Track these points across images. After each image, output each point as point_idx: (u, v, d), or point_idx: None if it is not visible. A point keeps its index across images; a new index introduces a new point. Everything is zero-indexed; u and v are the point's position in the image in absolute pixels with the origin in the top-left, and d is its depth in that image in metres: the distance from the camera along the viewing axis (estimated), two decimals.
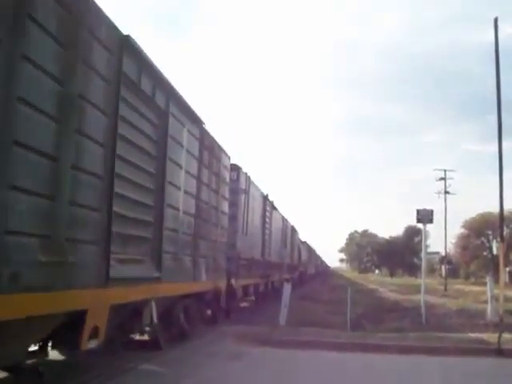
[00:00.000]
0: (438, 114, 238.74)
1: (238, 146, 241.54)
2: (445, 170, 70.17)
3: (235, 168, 20.49)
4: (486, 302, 23.56)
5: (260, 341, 15.02)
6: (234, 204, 19.76)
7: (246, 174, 22.19)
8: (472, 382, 11.08)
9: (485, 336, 16.30)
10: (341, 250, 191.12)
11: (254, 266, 24.20)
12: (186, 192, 12.67)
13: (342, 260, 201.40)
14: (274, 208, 31.63)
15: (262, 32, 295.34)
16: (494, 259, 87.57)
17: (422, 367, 12.67)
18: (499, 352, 14.22)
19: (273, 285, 32.16)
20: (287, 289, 19.25)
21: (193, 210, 13.51)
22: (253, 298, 27.41)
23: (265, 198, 28.27)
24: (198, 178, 13.93)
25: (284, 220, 38.56)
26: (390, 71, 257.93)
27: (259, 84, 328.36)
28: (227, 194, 18.04)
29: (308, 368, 12.23)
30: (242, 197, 21.60)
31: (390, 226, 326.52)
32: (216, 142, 16.17)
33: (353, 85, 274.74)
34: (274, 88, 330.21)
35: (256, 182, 25.73)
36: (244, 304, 26.45)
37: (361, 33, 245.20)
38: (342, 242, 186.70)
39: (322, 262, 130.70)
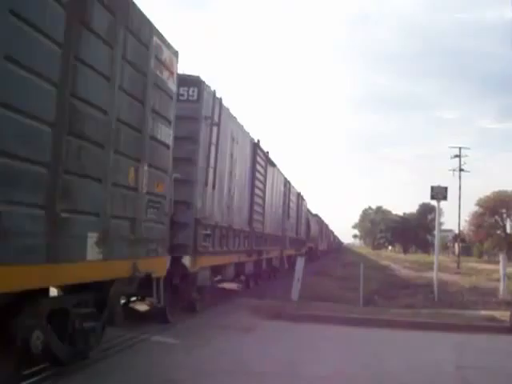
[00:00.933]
0: (455, 91, 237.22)
1: (252, 120, 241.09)
2: (460, 148, 69.81)
3: (194, 81, 13.61)
4: (498, 280, 23.51)
5: (272, 315, 15.12)
6: (189, 138, 13.21)
7: (215, 94, 14.48)
8: (484, 358, 11.11)
9: (497, 313, 16.33)
10: (354, 227, 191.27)
11: (232, 237, 17.75)
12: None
13: (355, 236, 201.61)
14: (270, 163, 24.03)
15: (277, 6, 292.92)
16: (508, 238, 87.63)
17: (435, 343, 12.72)
18: (511, 329, 14.26)
19: (270, 263, 27.11)
20: (300, 262, 19.29)
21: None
22: (242, 278, 22.33)
23: (255, 145, 20.86)
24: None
25: (287, 183, 31.59)
26: (406, 47, 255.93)
27: (274, 59, 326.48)
28: (169, 114, 10.58)
29: (319, 342, 12.31)
30: (207, 129, 14.01)
31: (404, 203, 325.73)
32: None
33: (367, 59, 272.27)
34: (288, 63, 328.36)
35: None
36: (232, 286, 22.53)
37: (378, 7, 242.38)
38: (356, 219, 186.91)
39: (335, 238, 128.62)
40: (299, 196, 40.39)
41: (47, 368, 7.96)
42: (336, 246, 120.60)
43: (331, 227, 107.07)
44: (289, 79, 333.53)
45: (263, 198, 22.78)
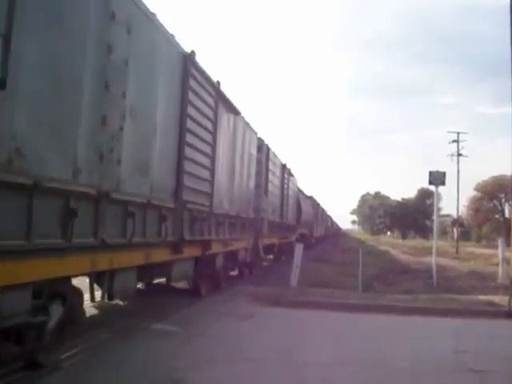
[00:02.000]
0: (452, 76, 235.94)
1: (251, 107, 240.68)
2: (458, 133, 69.62)
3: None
4: (497, 264, 23.59)
5: (271, 301, 15.15)
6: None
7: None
8: (483, 343, 11.13)
9: (496, 298, 16.38)
10: (353, 212, 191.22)
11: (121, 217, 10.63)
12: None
13: (353, 222, 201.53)
14: (226, 104, 16.21)
15: None
16: (506, 222, 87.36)
17: (434, 328, 12.77)
18: (510, 314, 14.30)
19: (234, 258, 19.41)
20: (299, 249, 19.32)
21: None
22: None
23: (187, 59, 12.25)
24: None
25: (264, 148, 24.40)
26: (402, 32, 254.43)
27: (270, 45, 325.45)
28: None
29: (317, 328, 12.34)
30: None
31: (402, 188, 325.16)
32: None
33: (365, 46, 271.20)
34: (285, 50, 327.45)
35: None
36: None
37: None
38: (354, 204, 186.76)
39: (334, 224, 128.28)
40: (284, 169, 31.49)
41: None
42: (334, 232, 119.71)
43: (330, 213, 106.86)
44: (287, 66, 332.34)
45: (210, 156, 14.58)
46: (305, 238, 44.11)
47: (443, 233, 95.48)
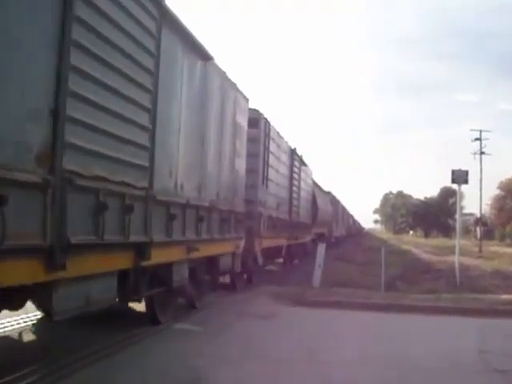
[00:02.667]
0: (475, 73, 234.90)
1: (275, 105, 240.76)
2: (480, 131, 69.01)
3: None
4: None
5: (293, 301, 15.13)
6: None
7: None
8: (508, 343, 11.02)
9: None
10: (375, 212, 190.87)
11: None
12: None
13: (376, 221, 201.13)
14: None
15: None
16: None
17: (457, 328, 12.66)
18: None
19: (213, 269, 14.03)
20: (321, 249, 19.29)
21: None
22: None
23: None
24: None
25: (262, 121, 19.34)
26: (426, 30, 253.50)
27: (298, 46, 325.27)
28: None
29: (340, 328, 12.31)
30: None
31: (425, 187, 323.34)
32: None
33: (389, 45, 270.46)
34: (311, 50, 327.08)
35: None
36: None
37: None
38: (377, 204, 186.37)
39: (355, 223, 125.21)
40: (294, 155, 26.03)
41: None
42: (356, 232, 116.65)
43: (352, 212, 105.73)
44: (313, 65, 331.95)
45: (146, 109, 9.14)
46: (323, 238, 38.63)
47: (466, 232, 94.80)
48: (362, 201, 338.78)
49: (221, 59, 12.75)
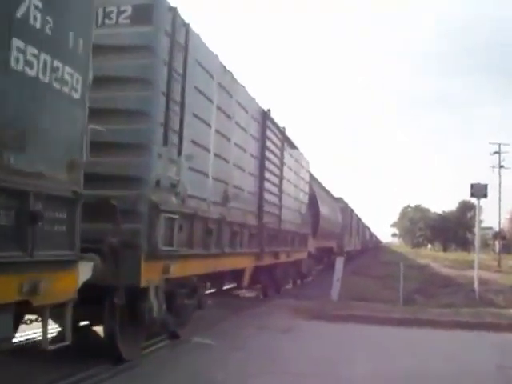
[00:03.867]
0: (493, 87, 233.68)
1: (292, 116, 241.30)
2: (499, 144, 68.67)
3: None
4: None
5: (312, 315, 15.13)
6: None
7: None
8: None
9: None
10: (393, 225, 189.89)
11: None
12: None
13: (394, 235, 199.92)
14: None
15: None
16: None
17: (476, 343, 12.63)
18: None
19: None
20: (340, 262, 19.29)
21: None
22: None
23: None
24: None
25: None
26: (444, 44, 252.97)
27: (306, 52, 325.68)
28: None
29: (358, 342, 12.29)
30: None
31: (443, 201, 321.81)
32: None
33: (410, 60, 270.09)
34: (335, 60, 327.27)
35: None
36: None
37: (416, 7, 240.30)
38: (395, 217, 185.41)
39: (373, 236, 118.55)
40: (267, 121, 16.84)
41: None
42: (373, 245, 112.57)
43: (370, 225, 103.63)
44: (318, 76, 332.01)
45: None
46: (328, 253, 34.86)
47: (485, 246, 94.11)
48: (380, 214, 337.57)
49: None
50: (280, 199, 18.70)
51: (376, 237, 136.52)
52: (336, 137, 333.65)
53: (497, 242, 75.74)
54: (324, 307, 16.27)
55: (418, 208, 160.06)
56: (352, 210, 54.63)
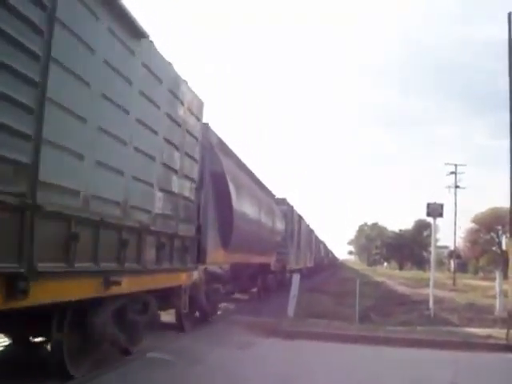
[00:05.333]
0: (451, 108, 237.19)
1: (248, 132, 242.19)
2: (455, 165, 69.69)
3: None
4: (494, 296, 23.53)
5: (268, 331, 15.09)
6: None
7: None
8: (480, 376, 11.09)
9: (493, 331, 16.31)
10: (350, 243, 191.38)
11: None
12: None
13: (350, 252, 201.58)
14: None
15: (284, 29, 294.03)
16: (503, 254, 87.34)
17: (430, 361, 12.70)
18: (508, 347, 14.24)
19: None
20: (296, 279, 19.28)
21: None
22: None
23: None
24: None
25: None
26: (403, 63, 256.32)
27: (285, 76, 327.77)
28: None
29: (315, 359, 12.29)
30: None
31: (399, 220, 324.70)
32: None
33: (366, 77, 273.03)
34: (296, 83, 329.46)
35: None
36: None
37: (374, 23, 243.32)
38: (352, 235, 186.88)
39: (329, 253, 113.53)
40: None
41: None
42: (330, 262, 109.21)
43: (326, 242, 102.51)
44: (288, 93, 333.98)
45: None
46: (263, 272, 27.01)
47: (440, 264, 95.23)
48: (337, 231, 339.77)
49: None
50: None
51: (333, 253, 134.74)
52: (290, 151, 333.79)
53: (452, 261, 76.70)
54: (280, 324, 16.23)
55: (374, 226, 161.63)
56: (301, 218, 43.44)
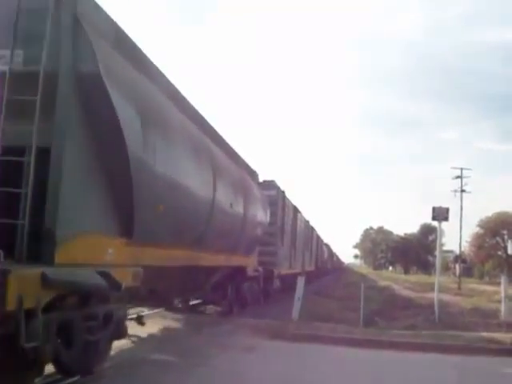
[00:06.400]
0: (456, 112, 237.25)
1: (256, 139, 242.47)
2: (461, 169, 69.73)
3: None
4: (499, 301, 23.47)
5: (273, 334, 15.07)
6: None
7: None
8: (484, 380, 11.08)
9: (498, 335, 16.27)
10: (355, 246, 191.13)
11: None
12: None
13: (356, 256, 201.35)
14: None
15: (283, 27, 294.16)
16: (509, 259, 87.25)
17: (435, 365, 12.69)
18: None
19: None
20: (301, 282, 19.27)
21: None
22: None
23: None
24: None
25: None
26: (407, 68, 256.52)
27: (277, 76, 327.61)
28: None
29: (319, 362, 12.27)
30: None
31: (405, 224, 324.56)
32: None
33: (370, 82, 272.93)
34: (290, 82, 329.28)
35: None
36: None
37: (378, 31, 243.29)
38: (357, 238, 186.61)
39: (334, 256, 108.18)
40: None
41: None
42: (334, 266, 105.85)
43: (333, 247, 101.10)
44: (291, 98, 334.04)
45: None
46: (231, 279, 19.41)
47: (445, 269, 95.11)
48: (343, 235, 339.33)
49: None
50: None
51: (338, 257, 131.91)
52: (297, 158, 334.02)
53: (457, 265, 76.56)
54: (284, 327, 16.21)
55: (380, 230, 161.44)
56: (297, 210, 34.68)
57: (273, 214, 24.11)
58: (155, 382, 9.35)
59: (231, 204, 15.87)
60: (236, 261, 18.50)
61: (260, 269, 23.16)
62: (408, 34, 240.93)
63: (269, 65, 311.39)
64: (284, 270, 28.64)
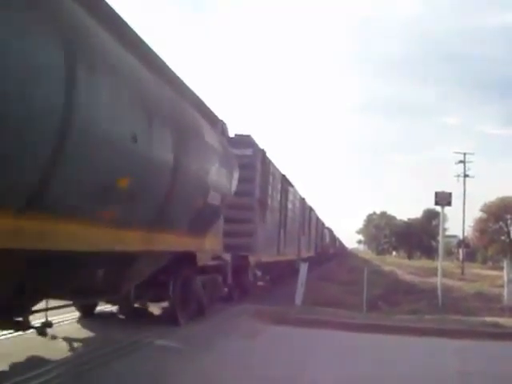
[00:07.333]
0: (459, 96, 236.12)
1: (257, 125, 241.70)
2: (464, 153, 69.47)
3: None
4: (502, 286, 23.51)
5: (276, 319, 15.10)
6: None
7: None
8: (487, 364, 11.09)
9: (501, 320, 16.31)
10: (359, 232, 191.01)
11: None
12: None
13: (359, 241, 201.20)
14: None
15: (279, 12, 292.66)
16: None
17: (438, 349, 12.69)
18: None
19: None
20: (304, 268, 19.29)
21: None
22: None
23: None
24: None
25: None
26: (408, 53, 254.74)
27: (278, 64, 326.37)
28: None
29: (323, 347, 12.31)
30: None
31: (408, 209, 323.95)
32: None
33: (371, 67, 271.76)
34: (292, 69, 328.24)
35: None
36: None
37: (379, 14, 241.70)
38: (361, 224, 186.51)
39: (336, 241, 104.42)
40: None
41: None
42: (337, 251, 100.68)
43: (336, 233, 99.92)
44: (293, 84, 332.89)
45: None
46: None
47: (449, 254, 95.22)
48: (346, 221, 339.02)
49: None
50: None
51: (341, 242, 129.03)
52: (299, 144, 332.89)
53: (461, 250, 76.62)
54: (288, 312, 16.24)
55: (383, 215, 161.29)
56: (286, 180, 27.14)
57: (248, 181, 18.50)
58: (161, 368, 9.37)
59: (134, 137, 8.28)
60: (169, 243, 11.66)
61: (227, 255, 17.12)
62: (405, 18, 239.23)
63: (268, 51, 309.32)
64: (267, 257, 22.36)
